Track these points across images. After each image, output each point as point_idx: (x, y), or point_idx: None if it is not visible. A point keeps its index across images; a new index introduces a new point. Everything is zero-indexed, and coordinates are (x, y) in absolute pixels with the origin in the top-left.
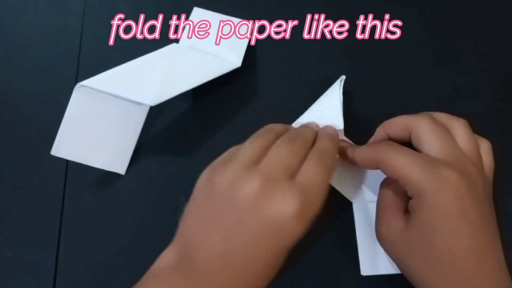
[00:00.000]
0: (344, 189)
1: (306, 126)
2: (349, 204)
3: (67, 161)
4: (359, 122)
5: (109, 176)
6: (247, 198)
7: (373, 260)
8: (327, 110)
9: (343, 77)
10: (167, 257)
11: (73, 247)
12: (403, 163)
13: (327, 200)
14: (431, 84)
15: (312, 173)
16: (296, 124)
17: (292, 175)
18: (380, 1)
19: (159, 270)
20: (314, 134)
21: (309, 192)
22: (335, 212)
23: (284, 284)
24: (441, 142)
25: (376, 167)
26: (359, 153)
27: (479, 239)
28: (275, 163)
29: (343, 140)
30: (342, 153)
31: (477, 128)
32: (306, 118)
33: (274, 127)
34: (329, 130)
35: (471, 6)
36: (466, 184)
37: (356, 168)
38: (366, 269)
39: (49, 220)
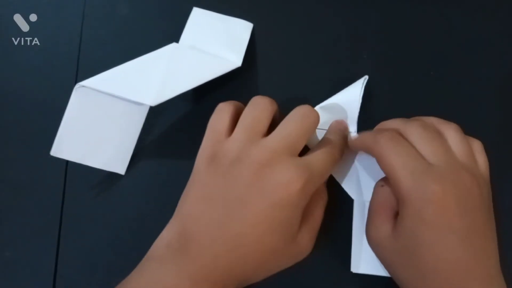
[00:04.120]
0: (347, 185)
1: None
2: (347, 202)
3: (67, 161)
4: (360, 123)
5: (109, 176)
6: (252, 172)
7: (365, 259)
8: (344, 107)
9: (366, 77)
10: (165, 237)
11: (73, 247)
12: (396, 164)
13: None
14: (433, 86)
15: (317, 158)
16: None
17: (296, 154)
18: (384, 1)
19: (156, 251)
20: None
21: (312, 171)
22: (334, 209)
23: (278, 279)
24: (433, 149)
25: (371, 154)
26: (359, 137)
27: (466, 250)
28: (281, 140)
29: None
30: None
31: (478, 128)
32: (322, 109)
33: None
34: (340, 126)
35: (472, 7)
36: (455, 196)
37: (361, 166)
38: (357, 266)
39: (49, 220)
